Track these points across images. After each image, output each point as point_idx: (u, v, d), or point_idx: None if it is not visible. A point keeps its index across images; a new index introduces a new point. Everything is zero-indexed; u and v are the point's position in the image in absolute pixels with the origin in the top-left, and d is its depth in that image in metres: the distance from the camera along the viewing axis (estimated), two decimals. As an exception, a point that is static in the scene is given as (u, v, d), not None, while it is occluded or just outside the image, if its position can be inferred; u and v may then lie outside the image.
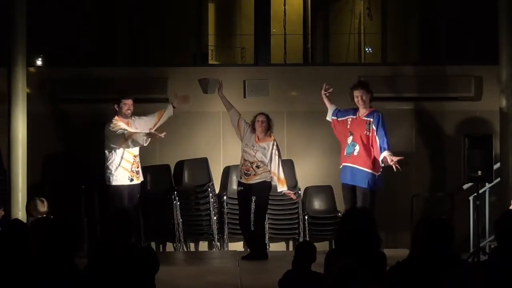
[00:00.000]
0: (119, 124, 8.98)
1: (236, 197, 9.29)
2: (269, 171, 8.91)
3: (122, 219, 5.40)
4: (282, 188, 8.99)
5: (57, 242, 4.71)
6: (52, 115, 10.35)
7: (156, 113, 9.22)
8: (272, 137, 8.99)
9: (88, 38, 11.29)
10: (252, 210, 8.85)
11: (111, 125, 8.98)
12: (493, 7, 9.71)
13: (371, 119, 8.66)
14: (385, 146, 8.56)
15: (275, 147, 8.93)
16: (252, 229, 8.89)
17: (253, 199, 8.85)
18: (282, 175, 8.95)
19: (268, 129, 8.95)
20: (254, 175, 8.89)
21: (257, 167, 8.90)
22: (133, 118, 9.17)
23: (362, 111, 8.74)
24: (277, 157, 8.92)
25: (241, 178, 9.00)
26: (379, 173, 8.67)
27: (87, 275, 4.90)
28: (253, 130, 8.97)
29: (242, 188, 8.99)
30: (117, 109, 9.09)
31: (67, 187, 9.78)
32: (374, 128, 8.61)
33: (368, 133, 8.63)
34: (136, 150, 9.03)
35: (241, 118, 9.06)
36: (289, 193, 9.09)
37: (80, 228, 9.67)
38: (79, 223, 9.71)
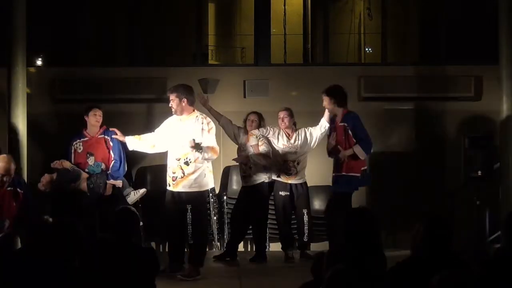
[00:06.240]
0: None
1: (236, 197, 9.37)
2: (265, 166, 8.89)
3: (122, 219, 5.41)
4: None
5: (57, 242, 4.71)
6: (52, 115, 10.35)
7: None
8: None
9: (88, 38, 11.28)
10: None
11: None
12: (493, 7, 9.71)
13: (346, 124, 8.61)
14: (363, 145, 8.51)
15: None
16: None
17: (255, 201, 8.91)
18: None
19: (259, 127, 8.95)
20: (249, 176, 8.94)
21: (250, 168, 8.93)
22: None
23: (338, 117, 8.70)
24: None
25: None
26: (359, 174, 8.58)
27: (86, 275, 4.90)
28: (246, 130, 8.99)
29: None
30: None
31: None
32: (350, 133, 8.56)
33: (345, 138, 8.57)
34: None
35: (234, 126, 9.06)
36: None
37: (80, 228, 9.66)
38: (79, 223, 9.69)
